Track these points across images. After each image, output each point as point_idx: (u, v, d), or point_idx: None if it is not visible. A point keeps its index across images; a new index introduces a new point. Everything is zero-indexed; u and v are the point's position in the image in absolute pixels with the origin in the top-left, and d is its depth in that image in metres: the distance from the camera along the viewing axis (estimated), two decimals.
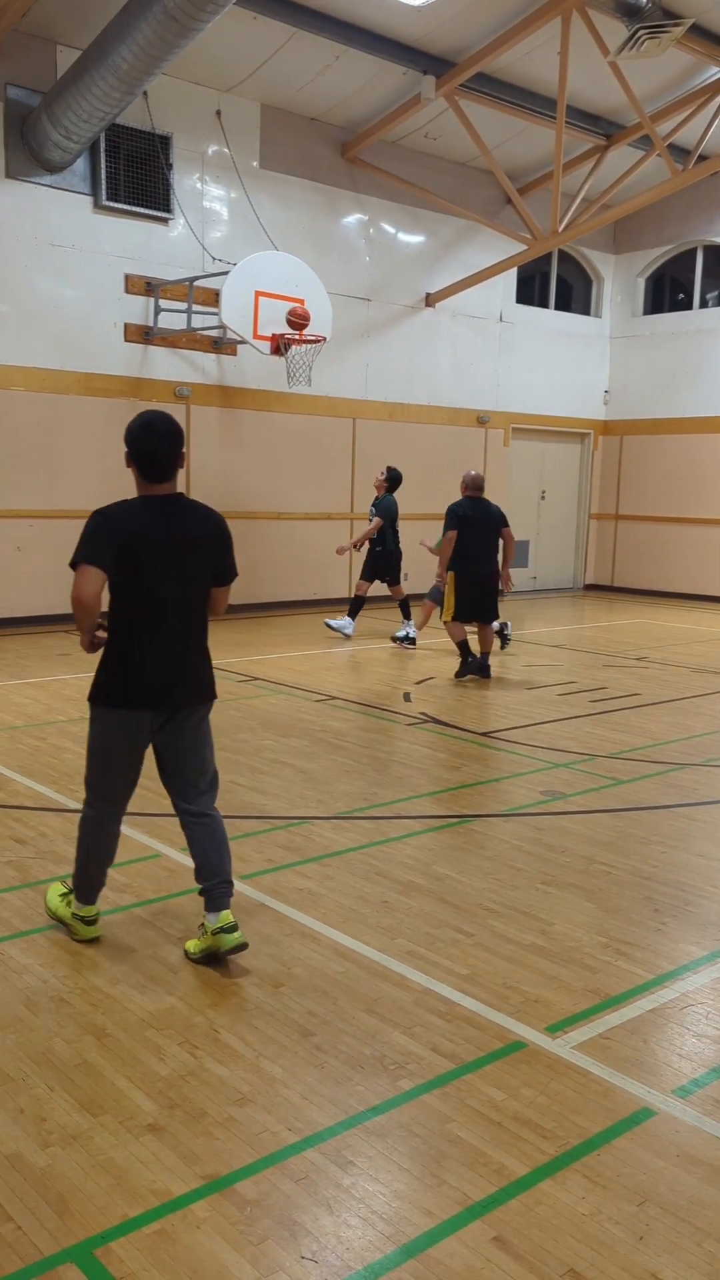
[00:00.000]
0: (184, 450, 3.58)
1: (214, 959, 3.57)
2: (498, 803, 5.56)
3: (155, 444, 3.51)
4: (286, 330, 10.68)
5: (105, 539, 3.45)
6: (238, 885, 4.22)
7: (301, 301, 10.81)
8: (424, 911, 4.11)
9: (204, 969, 3.56)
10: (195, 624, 3.65)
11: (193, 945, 3.64)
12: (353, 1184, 2.51)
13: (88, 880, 3.73)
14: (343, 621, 10.96)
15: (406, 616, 10.77)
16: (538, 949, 3.81)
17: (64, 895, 3.83)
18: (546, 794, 5.73)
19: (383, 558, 10.68)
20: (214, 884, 3.61)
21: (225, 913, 3.58)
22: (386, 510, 10.56)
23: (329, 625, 10.99)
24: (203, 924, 3.63)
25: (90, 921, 3.74)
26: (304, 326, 10.71)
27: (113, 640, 3.57)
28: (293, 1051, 3.07)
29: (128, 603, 3.52)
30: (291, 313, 10.65)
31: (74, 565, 3.44)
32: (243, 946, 3.58)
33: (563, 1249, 2.32)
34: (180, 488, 3.65)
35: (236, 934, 3.56)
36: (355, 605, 11.05)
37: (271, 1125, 2.73)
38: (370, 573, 10.78)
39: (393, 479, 10.66)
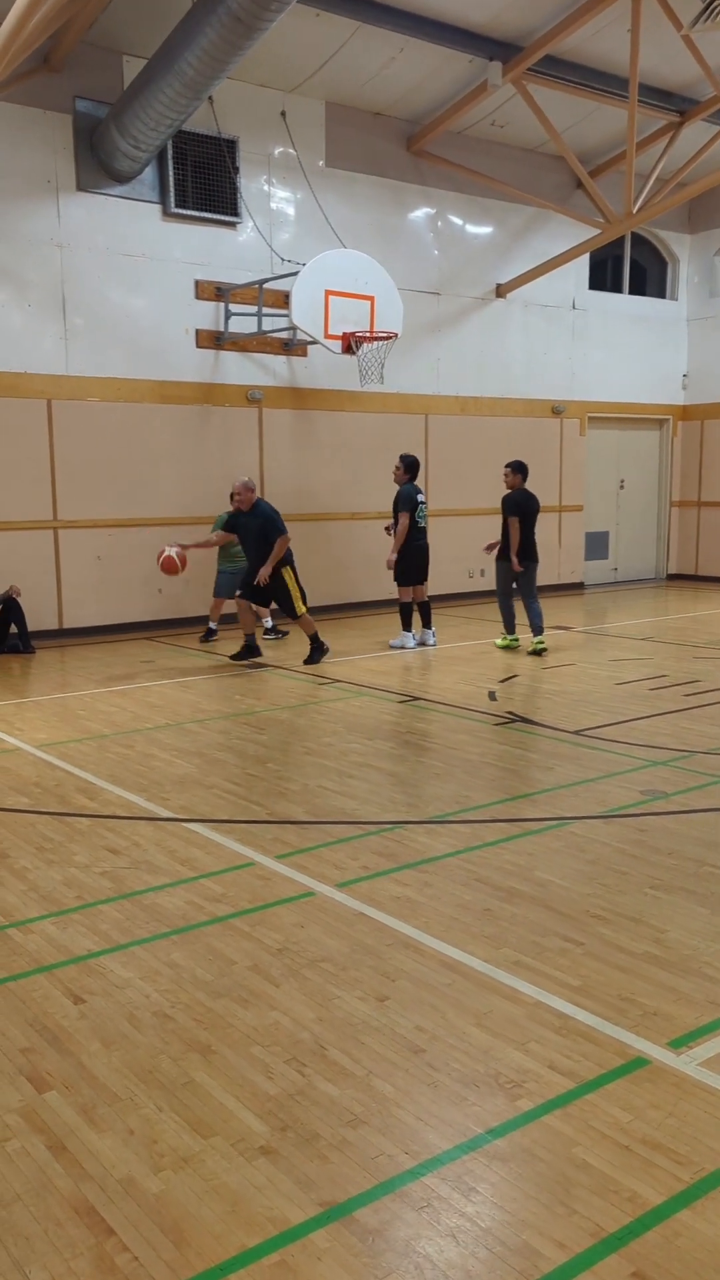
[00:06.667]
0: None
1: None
2: (596, 804, 5.37)
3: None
4: (357, 329, 10.60)
5: None
6: (334, 893, 4.17)
7: (371, 299, 10.70)
8: (528, 919, 3.96)
9: (307, 981, 3.47)
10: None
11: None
12: (477, 1213, 2.39)
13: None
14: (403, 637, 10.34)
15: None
16: (652, 958, 3.63)
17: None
18: (647, 793, 5.52)
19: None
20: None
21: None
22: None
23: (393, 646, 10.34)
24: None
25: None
26: None
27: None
28: (404, 1069, 2.96)
29: None
30: None
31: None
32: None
33: None
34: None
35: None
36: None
37: (387, 1148, 2.62)
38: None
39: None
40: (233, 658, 9.42)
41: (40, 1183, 2.50)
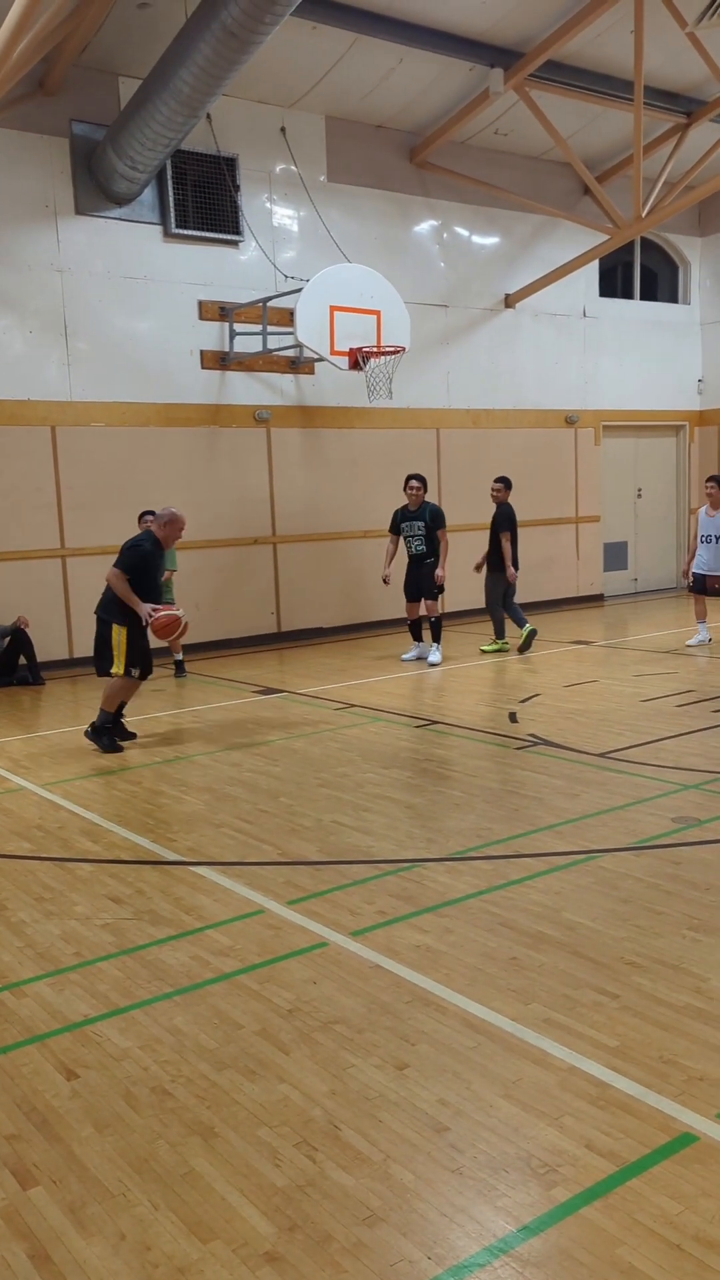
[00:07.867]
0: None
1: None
2: (626, 834, 5.08)
3: None
4: (364, 344, 10.39)
5: None
6: (349, 943, 3.88)
7: (378, 313, 10.49)
8: (558, 969, 3.67)
9: (320, 1047, 3.20)
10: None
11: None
12: None
13: None
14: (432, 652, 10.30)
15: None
16: (694, 1011, 3.34)
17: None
18: (679, 821, 5.22)
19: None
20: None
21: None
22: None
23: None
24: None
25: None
26: None
27: None
28: (425, 1152, 2.68)
29: None
30: None
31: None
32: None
33: None
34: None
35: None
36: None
37: (408, 1252, 2.34)
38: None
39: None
40: (115, 743, 7.29)
41: None
